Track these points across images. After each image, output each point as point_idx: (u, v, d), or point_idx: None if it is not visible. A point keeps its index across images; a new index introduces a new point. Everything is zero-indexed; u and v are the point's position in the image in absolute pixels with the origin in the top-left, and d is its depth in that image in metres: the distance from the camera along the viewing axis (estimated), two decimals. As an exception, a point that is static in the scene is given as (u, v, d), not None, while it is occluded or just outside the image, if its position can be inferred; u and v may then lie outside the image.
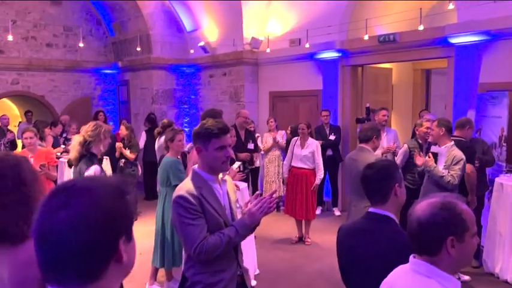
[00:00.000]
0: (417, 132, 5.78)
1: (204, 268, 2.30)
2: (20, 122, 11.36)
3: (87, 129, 3.82)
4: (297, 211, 6.37)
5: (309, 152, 6.24)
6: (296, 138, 6.47)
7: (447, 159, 4.47)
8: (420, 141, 5.68)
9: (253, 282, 4.73)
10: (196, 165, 2.45)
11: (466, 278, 4.91)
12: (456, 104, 6.55)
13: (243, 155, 6.26)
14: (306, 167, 6.28)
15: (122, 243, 0.95)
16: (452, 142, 4.61)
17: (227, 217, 2.40)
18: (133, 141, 7.53)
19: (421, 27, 6.56)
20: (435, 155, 4.57)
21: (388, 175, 2.22)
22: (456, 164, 4.38)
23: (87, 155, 3.77)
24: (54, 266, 0.91)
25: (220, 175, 2.48)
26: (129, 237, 0.99)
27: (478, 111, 6.14)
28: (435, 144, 4.83)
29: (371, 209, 2.24)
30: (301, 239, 6.51)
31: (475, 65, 6.27)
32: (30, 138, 5.05)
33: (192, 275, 2.33)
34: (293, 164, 6.40)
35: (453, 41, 6.42)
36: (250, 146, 6.70)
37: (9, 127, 9.26)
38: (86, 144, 3.76)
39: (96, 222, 0.91)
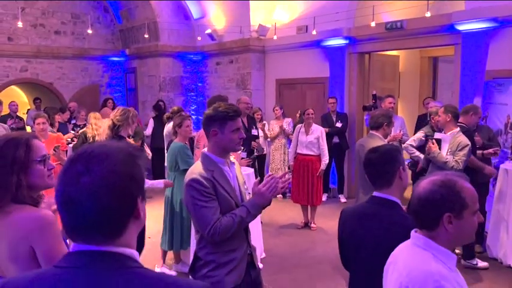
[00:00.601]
0: (433, 121, 5.79)
1: (216, 248, 2.38)
2: (28, 109, 11.47)
3: (115, 113, 4.06)
4: (302, 197, 6.45)
5: (314, 138, 6.31)
6: (300, 125, 6.54)
7: (452, 145, 4.51)
8: (435, 130, 5.70)
9: (260, 266, 4.81)
10: (205, 149, 2.51)
11: (484, 264, 4.97)
12: (462, 91, 6.55)
13: (254, 144, 6.31)
14: (311, 153, 6.35)
15: (139, 202, 1.05)
16: (458, 128, 4.64)
17: (238, 199, 2.46)
18: (136, 129, 7.55)
19: (428, 14, 6.54)
20: (438, 141, 4.62)
21: (392, 158, 2.23)
22: (461, 149, 4.42)
23: (117, 138, 3.99)
24: (79, 228, 1.00)
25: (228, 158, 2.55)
26: (144, 196, 1.09)
27: (484, 99, 6.16)
28: (439, 130, 4.87)
29: (375, 193, 2.25)
30: (306, 225, 6.60)
31: (482, 52, 6.27)
32: (43, 123, 5.14)
33: (204, 254, 2.41)
34: (298, 151, 6.47)
35: (460, 28, 6.41)
36: (254, 132, 6.75)
37: (18, 114, 9.37)
38: (115, 128, 4.00)
39: (115, 187, 0.99)
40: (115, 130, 4.01)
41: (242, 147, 5.29)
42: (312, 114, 6.41)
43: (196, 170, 2.39)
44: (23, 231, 1.68)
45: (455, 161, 4.39)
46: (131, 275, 0.99)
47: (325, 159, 6.36)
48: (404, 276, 1.57)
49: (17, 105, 9.38)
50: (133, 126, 4.21)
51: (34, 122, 5.23)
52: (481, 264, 4.95)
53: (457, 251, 4.97)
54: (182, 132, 4.80)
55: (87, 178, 0.97)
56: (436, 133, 4.91)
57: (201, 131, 4.86)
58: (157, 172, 9.01)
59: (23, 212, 1.72)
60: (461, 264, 4.89)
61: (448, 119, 4.63)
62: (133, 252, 1.05)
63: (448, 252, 1.58)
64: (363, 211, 2.30)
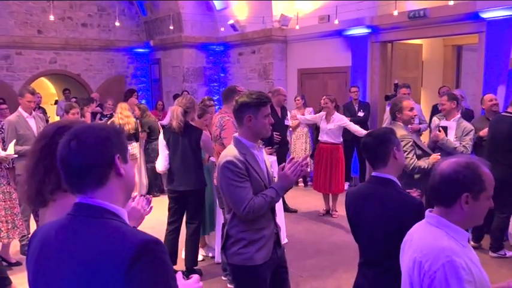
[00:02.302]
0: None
1: (247, 226, 2.56)
2: (56, 100, 11.83)
3: (183, 101, 4.45)
4: (323, 185, 6.54)
5: (334, 126, 6.37)
6: (323, 113, 6.59)
7: (457, 131, 4.75)
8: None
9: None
10: (236, 133, 2.68)
11: (511, 253, 5.01)
12: (486, 80, 6.51)
13: (277, 137, 6.28)
14: (331, 141, 6.41)
15: (117, 158, 1.32)
16: (459, 115, 4.93)
17: (266, 180, 2.64)
18: (144, 120, 7.72)
19: (451, 2, 6.50)
20: (445, 129, 4.80)
21: (385, 140, 2.39)
22: (467, 134, 4.68)
23: (189, 124, 4.42)
24: (72, 179, 1.31)
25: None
26: (124, 159, 1.36)
27: (508, 87, 6.12)
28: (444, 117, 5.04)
29: (374, 173, 2.44)
30: (328, 212, 6.71)
31: (507, 40, 6.21)
32: (77, 113, 5.41)
33: (236, 232, 2.59)
34: (319, 138, 6.59)
35: (484, 15, 6.35)
36: (287, 122, 6.83)
37: (40, 105, 9.65)
38: (186, 114, 4.41)
39: (94, 146, 1.29)
40: (185, 116, 4.40)
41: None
42: (326, 103, 6.39)
43: (230, 153, 2.55)
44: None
45: (463, 146, 4.62)
46: (104, 224, 1.26)
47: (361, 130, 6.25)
48: (418, 252, 1.68)
49: (41, 97, 9.68)
50: (196, 111, 4.65)
51: (68, 113, 5.45)
52: (509, 253, 4.98)
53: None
54: (198, 123, 4.97)
55: (74, 142, 1.28)
56: (442, 121, 5.03)
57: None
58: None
59: (68, 199, 1.70)
60: (490, 256, 4.95)
61: (454, 106, 4.89)
62: (115, 207, 1.31)
63: (460, 229, 1.68)
64: (364, 190, 2.50)
